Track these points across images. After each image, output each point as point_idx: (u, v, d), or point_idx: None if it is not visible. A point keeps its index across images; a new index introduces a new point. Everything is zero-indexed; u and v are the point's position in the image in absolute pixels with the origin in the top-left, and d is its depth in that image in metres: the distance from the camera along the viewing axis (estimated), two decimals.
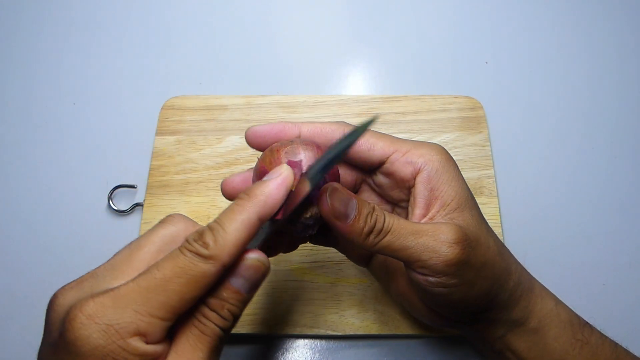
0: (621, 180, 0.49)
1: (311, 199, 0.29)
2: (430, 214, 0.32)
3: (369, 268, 0.38)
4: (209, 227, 0.25)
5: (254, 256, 0.26)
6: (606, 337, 0.34)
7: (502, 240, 0.45)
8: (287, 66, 0.56)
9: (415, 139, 0.50)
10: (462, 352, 0.43)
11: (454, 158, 0.34)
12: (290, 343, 0.43)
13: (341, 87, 0.55)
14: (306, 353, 0.43)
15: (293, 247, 0.35)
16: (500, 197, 0.48)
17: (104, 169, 0.50)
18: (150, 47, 0.57)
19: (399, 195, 0.34)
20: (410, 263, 0.30)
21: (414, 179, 0.32)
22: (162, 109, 0.52)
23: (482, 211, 0.34)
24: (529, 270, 0.36)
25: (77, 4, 0.60)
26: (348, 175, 0.35)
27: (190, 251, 0.24)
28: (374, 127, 0.34)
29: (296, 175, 0.29)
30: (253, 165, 0.34)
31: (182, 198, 0.47)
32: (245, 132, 0.33)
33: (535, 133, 0.52)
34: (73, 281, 0.26)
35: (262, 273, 0.26)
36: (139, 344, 0.23)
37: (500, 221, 0.46)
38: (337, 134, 0.33)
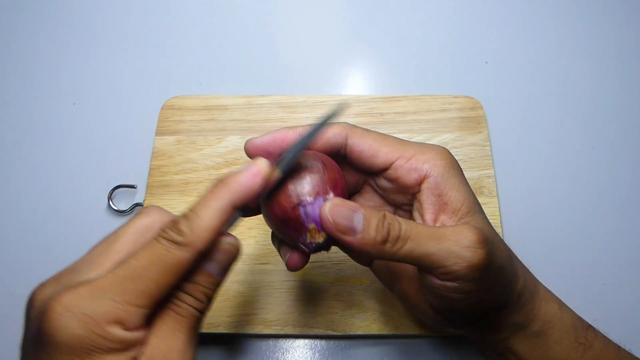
0: (621, 180, 0.49)
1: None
2: (441, 220, 0.31)
3: (371, 268, 0.37)
4: (184, 216, 0.26)
5: (227, 240, 0.27)
6: (610, 341, 0.34)
7: None
8: (287, 66, 0.56)
9: (415, 139, 0.50)
10: (463, 352, 0.43)
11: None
12: (290, 343, 0.43)
13: (341, 87, 0.55)
14: (306, 353, 0.43)
15: (306, 261, 0.34)
16: (500, 197, 0.48)
17: (104, 169, 0.50)
18: (150, 47, 0.57)
19: (402, 200, 0.34)
20: (433, 270, 0.28)
21: (419, 185, 0.32)
22: (162, 109, 0.52)
23: None
24: (529, 270, 0.36)
25: (77, 4, 0.60)
26: (350, 177, 0.35)
27: (166, 239, 0.25)
28: (376, 128, 0.34)
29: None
30: None
31: (182, 198, 0.47)
32: (245, 144, 0.33)
33: (535, 133, 0.52)
34: (51, 276, 0.26)
35: (234, 256, 0.27)
36: (117, 332, 0.23)
37: (500, 221, 0.46)
38: (338, 139, 0.33)
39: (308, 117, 0.51)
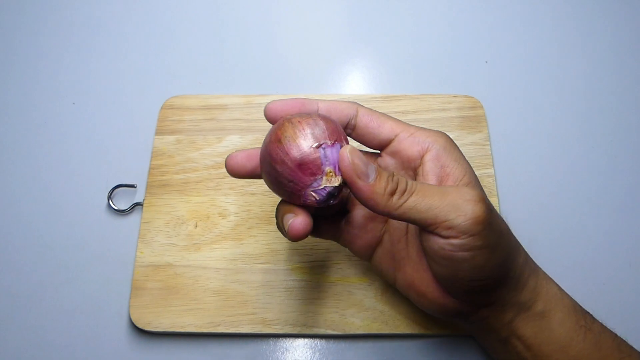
0: (621, 180, 0.49)
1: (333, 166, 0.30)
2: None
3: (371, 261, 0.38)
4: None
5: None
6: (606, 327, 0.35)
7: None
8: (287, 66, 0.56)
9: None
10: (463, 352, 0.43)
11: None
12: (290, 343, 0.43)
13: (341, 86, 0.55)
14: (306, 353, 0.43)
15: (310, 225, 0.33)
16: (500, 196, 0.48)
17: (103, 168, 0.50)
18: (150, 47, 0.57)
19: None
20: (437, 224, 0.29)
21: (421, 158, 0.33)
22: (161, 108, 0.52)
23: None
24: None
25: (77, 3, 0.60)
26: None
27: None
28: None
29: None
30: None
31: (182, 197, 0.47)
32: (265, 106, 0.34)
33: (535, 132, 0.52)
34: None
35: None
36: None
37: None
38: (350, 111, 0.35)
39: None
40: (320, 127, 0.31)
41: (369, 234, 0.36)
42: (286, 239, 0.44)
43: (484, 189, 0.47)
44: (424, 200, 0.29)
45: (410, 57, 0.57)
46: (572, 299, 0.35)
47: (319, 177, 0.30)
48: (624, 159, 0.50)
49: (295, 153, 0.30)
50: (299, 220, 0.31)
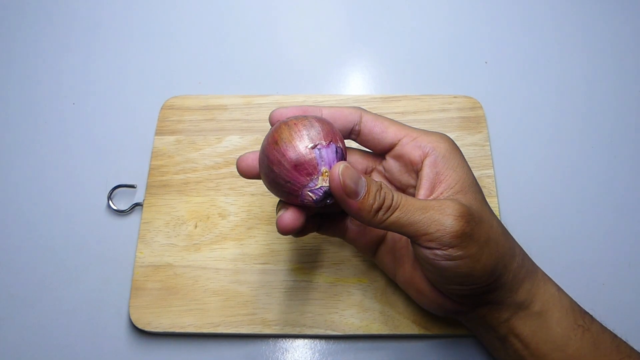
0: (621, 180, 0.49)
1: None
2: (434, 195, 0.33)
3: (375, 258, 0.39)
4: None
5: None
6: (606, 327, 0.35)
7: None
8: (287, 66, 0.56)
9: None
10: (463, 352, 0.43)
11: None
12: (290, 343, 0.43)
13: (341, 86, 0.55)
14: (306, 353, 0.43)
15: (302, 221, 0.34)
16: (500, 196, 0.48)
17: (103, 168, 0.50)
18: (150, 47, 0.57)
19: (407, 180, 0.36)
20: (418, 237, 0.31)
21: (422, 162, 0.34)
22: (161, 108, 0.52)
23: None
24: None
25: (77, 3, 0.60)
26: (359, 164, 0.38)
27: None
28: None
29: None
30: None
31: (182, 198, 0.47)
32: (270, 114, 0.35)
33: (535, 133, 0.52)
34: None
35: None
36: None
37: (500, 220, 0.46)
38: (354, 117, 0.35)
39: None
40: (316, 129, 0.32)
41: (373, 232, 0.38)
42: (286, 238, 0.45)
43: (484, 189, 0.47)
44: (405, 215, 0.31)
45: (410, 57, 0.57)
46: (570, 299, 0.36)
47: (315, 177, 0.31)
48: (624, 159, 0.50)
49: (291, 154, 0.31)
50: (287, 214, 0.32)
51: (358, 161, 0.38)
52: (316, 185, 0.31)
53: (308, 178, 0.31)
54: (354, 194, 0.30)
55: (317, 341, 0.43)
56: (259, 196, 0.48)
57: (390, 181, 0.38)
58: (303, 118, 0.33)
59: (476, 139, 0.50)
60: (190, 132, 0.50)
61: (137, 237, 0.46)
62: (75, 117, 0.53)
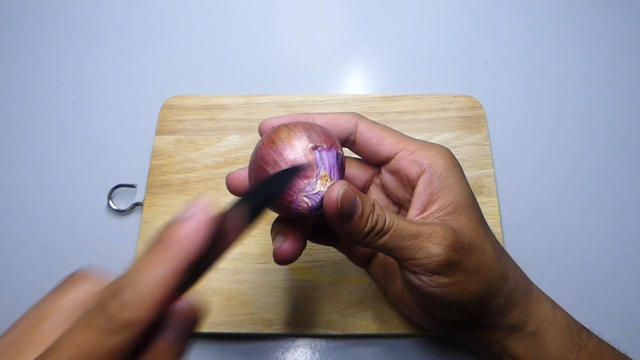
0: (621, 180, 0.49)
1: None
2: (425, 214, 0.32)
3: (367, 269, 0.38)
4: (119, 289, 0.20)
5: (184, 305, 0.22)
6: (604, 342, 0.35)
7: (501, 241, 0.45)
8: (287, 66, 0.56)
9: (415, 138, 0.50)
10: (462, 351, 0.43)
11: None
12: (290, 343, 0.43)
13: (341, 86, 0.55)
14: (306, 353, 0.43)
15: (298, 250, 0.33)
16: (500, 196, 0.48)
17: (103, 168, 0.50)
18: (150, 47, 0.57)
19: (404, 196, 0.34)
20: (403, 261, 0.30)
21: (418, 178, 0.32)
22: (161, 108, 0.52)
23: (482, 211, 0.34)
24: (529, 270, 0.36)
25: (77, 3, 0.60)
26: (357, 179, 0.36)
27: (98, 324, 0.20)
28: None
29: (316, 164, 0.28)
30: None
31: (182, 197, 0.47)
32: (260, 124, 0.33)
33: (535, 132, 0.52)
34: None
35: (198, 319, 0.23)
36: None
37: (500, 221, 0.46)
38: (349, 125, 0.33)
39: None
40: (316, 131, 0.30)
41: None
42: None
43: (484, 188, 0.48)
44: (395, 240, 0.29)
45: (410, 57, 0.57)
46: (566, 316, 0.35)
47: (313, 180, 0.28)
48: (624, 159, 0.50)
49: (289, 153, 0.28)
50: (286, 245, 0.31)
51: (357, 175, 0.36)
52: (313, 189, 0.28)
53: (305, 181, 0.28)
54: (348, 217, 0.28)
55: (317, 341, 0.43)
56: None
57: (387, 195, 0.36)
58: (303, 121, 0.31)
59: (476, 138, 0.50)
60: (190, 132, 0.50)
61: (138, 236, 0.46)
62: (75, 117, 0.53)
